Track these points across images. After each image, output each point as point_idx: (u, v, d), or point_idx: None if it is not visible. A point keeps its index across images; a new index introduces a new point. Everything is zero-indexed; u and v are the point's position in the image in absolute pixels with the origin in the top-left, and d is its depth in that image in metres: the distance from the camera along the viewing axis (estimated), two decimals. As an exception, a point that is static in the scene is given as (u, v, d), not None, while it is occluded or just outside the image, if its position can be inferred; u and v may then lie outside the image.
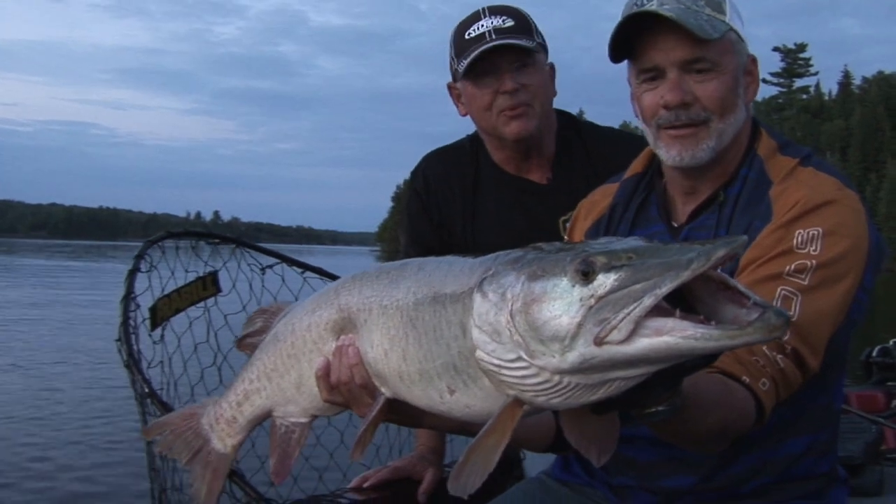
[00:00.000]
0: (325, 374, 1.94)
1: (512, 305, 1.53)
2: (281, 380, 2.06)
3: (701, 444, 2.02)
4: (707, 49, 2.19)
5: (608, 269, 1.46)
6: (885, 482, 3.49)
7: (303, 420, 2.08)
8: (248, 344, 2.18)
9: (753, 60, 2.34)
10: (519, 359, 1.52)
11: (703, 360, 1.52)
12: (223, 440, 2.17)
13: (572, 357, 1.45)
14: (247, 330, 2.20)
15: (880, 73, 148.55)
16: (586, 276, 1.46)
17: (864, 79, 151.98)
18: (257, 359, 2.11)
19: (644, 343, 1.41)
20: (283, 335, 2.06)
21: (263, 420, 2.13)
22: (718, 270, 1.48)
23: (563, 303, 1.47)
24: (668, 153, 2.29)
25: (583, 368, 1.46)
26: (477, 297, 1.59)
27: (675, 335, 1.39)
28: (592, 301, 1.44)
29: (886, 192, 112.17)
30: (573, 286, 1.47)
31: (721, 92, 2.22)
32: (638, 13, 2.19)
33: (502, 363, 1.54)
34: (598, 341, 1.42)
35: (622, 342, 1.41)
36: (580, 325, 1.44)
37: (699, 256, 1.41)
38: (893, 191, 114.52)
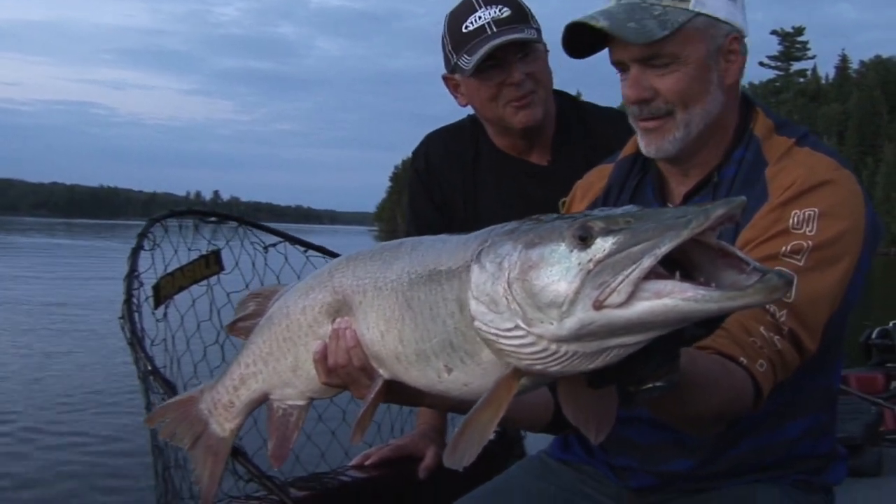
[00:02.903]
0: (322, 358, 1.91)
1: (509, 274, 1.51)
2: (277, 363, 2.03)
3: (698, 426, 2.02)
4: (661, 45, 2.13)
5: (606, 233, 1.45)
6: (884, 463, 3.51)
7: (300, 403, 2.06)
8: (239, 328, 2.15)
9: (734, 39, 2.23)
10: (516, 327, 1.50)
11: (701, 328, 1.51)
12: (221, 424, 2.16)
13: (570, 323, 1.43)
14: (239, 314, 2.17)
15: (878, 57, 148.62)
16: (584, 241, 1.45)
17: (862, 63, 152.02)
18: (252, 342, 2.09)
19: (644, 306, 1.39)
20: (277, 318, 2.04)
21: (261, 403, 2.12)
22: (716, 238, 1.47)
23: (560, 268, 1.46)
24: (641, 143, 2.29)
25: (581, 335, 1.44)
26: (474, 269, 1.58)
27: (674, 297, 1.38)
28: (591, 265, 1.43)
29: (883, 176, 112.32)
30: (571, 251, 1.46)
31: (681, 84, 2.17)
32: (573, 24, 2.18)
33: (499, 332, 1.53)
34: (597, 305, 1.41)
35: (621, 305, 1.40)
36: (578, 290, 1.43)
37: (698, 216, 1.40)
38: (890, 174, 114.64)
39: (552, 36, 3.33)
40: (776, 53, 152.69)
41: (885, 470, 3.50)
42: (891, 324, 5.39)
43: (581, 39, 2.22)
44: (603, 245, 1.44)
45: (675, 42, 2.14)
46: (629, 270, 1.40)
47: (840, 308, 2.11)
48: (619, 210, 1.52)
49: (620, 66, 2.23)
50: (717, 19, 2.19)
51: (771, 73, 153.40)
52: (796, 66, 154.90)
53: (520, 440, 3.52)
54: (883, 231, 2.33)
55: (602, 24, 2.12)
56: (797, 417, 2.27)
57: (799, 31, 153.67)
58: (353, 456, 3.31)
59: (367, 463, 3.24)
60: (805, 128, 2.35)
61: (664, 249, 1.39)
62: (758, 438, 2.25)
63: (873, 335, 5.39)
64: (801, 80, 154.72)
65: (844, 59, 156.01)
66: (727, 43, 2.22)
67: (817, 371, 2.22)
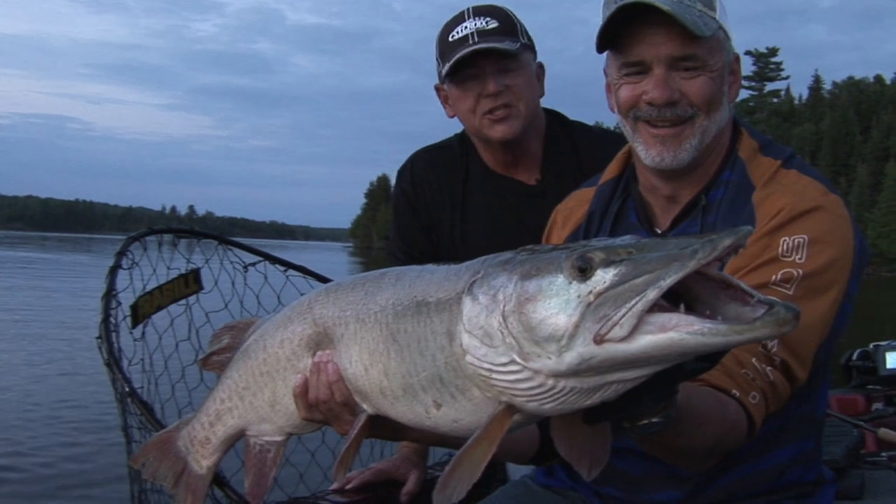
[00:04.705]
0: (302, 392, 1.87)
1: (504, 306, 1.47)
2: (254, 398, 1.99)
3: (692, 460, 1.99)
4: (697, 46, 2.12)
5: (607, 264, 1.41)
6: (866, 485, 3.49)
7: (278, 438, 2.02)
8: (213, 362, 2.11)
9: (737, 59, 2.28)
10: (511, 362, 1.46)
11: (704, 362, 1.47)
12: (198, 462, 2.12)
13: (570, 358, 1.39)
14: (212, 348, 2.12)
15: (850, 77, 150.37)
16: (583, 272, 1.41)
17: (835, 83, 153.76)
18: (228, 377, 2.04)
19: (647, 340, 1.35)
20: (254, 351, 1.99)
21: (238, 439, 2.08)
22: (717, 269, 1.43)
23: (559, 300, 1.41)
24: (648, 153, 2.22)
25: (580, 370, 1.40)
26: (466, 301, 1.54)
27: (680, 330, 1.34)
28: (591, 298, 1.39)
29: (855, 196, 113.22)
30: (570, 283, 1.42)
31: (709, 88, 2.16)
32: (634, 2, 2.09)
33: (493, 367, 1.49)
34: (599, 339, 1.37)
35: (624, 339, 1.36)
36: (578, 324, 1.38)
37: (704, 246, 1.36)
38: (862, 194, 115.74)
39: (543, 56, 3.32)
40: (750, 74, 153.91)
41: (868, 493, 3.47)
42: (871, 345, 5.37)
43: (613, 27, 2.16)
44: (604, 276, 1.40)
45: (707, 46, 2.14)
46: (632, 303, 1.35)
47: (829, 335, 2.08)
48: (619, 240, 1.48)
49: (638, 66, 2.18)
50: (728, 36, 2.21)
51: (745, 94, 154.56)
52: (770, 86, 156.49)
53: (502, 465, 3.47)
54: (870, 255, 2.30)
55: (667, 7, 2.07)
56: (785, 444, 2.25)
57: (773, 51, 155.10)
58: (333, 480, 3.25)
59: (347, 487, 3.19)
60: (790, 149, 2.32)
61: (669, 281, 1.35)
62: (746, 466, 2.22)
63: (854, 357, 5.37)
64: (775, 100, 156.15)
65: (818, 80, 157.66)
66: (733, 60, 2.25)
67: (804, 398, 2.20)
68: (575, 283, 1.41)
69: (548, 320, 1.41)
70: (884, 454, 3.99)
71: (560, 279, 1.43)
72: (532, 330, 1.43)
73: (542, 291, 1.44)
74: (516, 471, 3.25)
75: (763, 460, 2.23)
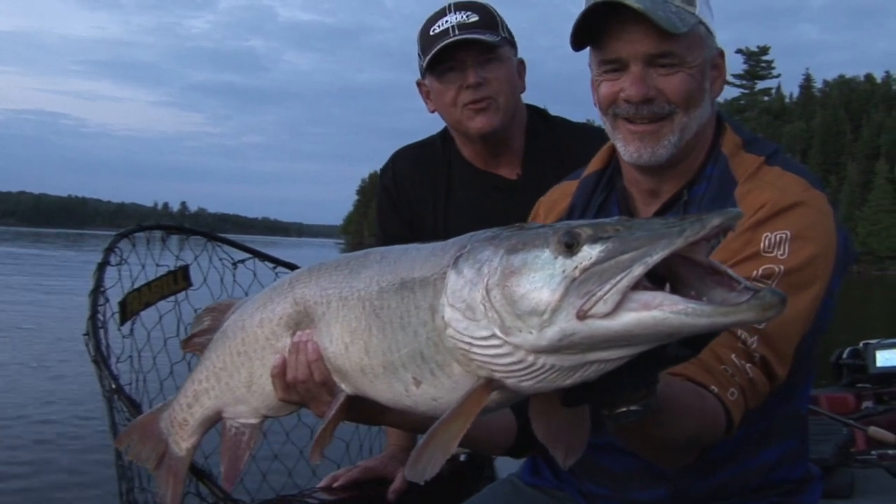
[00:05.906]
0: (280, 373, 1.86)
1: (488, 280, 1.46)
2: (230, 379, 1.98)
3: (670, 454, 1.97)
4: (674, 43, 2.11)
5: (594, 240, 1.39)
6: (855, 484, 3.49)
7: (253, 421, 2.01)
8: (195, 344, 2.11)
9: (721, 54, 2.27)
10: (492, 336, 1.45)
11: (687, 349, 1.45)
12: (178, 443, 2.12)
13: (551, 332, 1.37)
14: (194, 329, 2.13)
15: (841, 76, 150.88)
16: (570, 247, 1.40)
17: (825, 82, 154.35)
18: (206, 358, 2.04)
19: (630, 317, 1.33)
20: (232, 332, 1.99)
21: (216, 421, 2.07)
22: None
23: (544, 274, 1.40)
24: (626, 149, 2.22)
25: (561, 346, 1.38)
26: (451, 275, 1.52)
27: (664, 309, 1.32)
28: (576, 273, 1.37)
29: (846, 195, 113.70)
30: (555, 258, 1.40)
31: (687, 85, 2.14)
32: (604, 1, 2.09)
33: (474, 341, 1.47)
34: (581, 315, 1.35)
35: (606, 316, 1.34)
36: (561, 299, 1.37)
37: (692, 224, 1.34)
38: (852, 193, 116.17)
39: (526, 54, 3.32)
40: (741, 72, 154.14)
41: (857, 491, 3.48)
42: (861, 344, 5.37)
43: (586, 26, 2.16)
44: (590, 252, 1.39)
45: (685, 42, 2.13)
46: (617, 279, 1.34)
47: (810, 332, 2.08)
48: (607, 219, 1.46)
49: (616, 64, 2.17)
50: (710, 31, 2.20)
51: (736, 92, 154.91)
52: (761, 84, 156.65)
53: (490, 462, 3.47)
54: (854, 252, 2.30)
55: (636, 4, 2.06)
56: (771, 444, 2.24)
57: (764, 49, 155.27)
58: (321, 477, 3.25)
59: (335, 485, 3.18)
60: (775, 144, 2.31)
61: (656, 258, 1.33)
62: (732, 468, 2.22)
63: (844, 355, 5.37)
64: (766, 98, 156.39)
65: (808, 79, 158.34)
66: (716, 56, 2.24)
67: (789, 396, 2.19)
68: (561, 258, 1.40)
69: (531, 294, 1.40)
70: (874, 452, 3.99)
71: (546, 253, 1.42)
72: (514, 303, 1.41)
73: (526, 265, 1.43)
74: (504, 469, 3.25)
75: (751, 461, 2.23)
